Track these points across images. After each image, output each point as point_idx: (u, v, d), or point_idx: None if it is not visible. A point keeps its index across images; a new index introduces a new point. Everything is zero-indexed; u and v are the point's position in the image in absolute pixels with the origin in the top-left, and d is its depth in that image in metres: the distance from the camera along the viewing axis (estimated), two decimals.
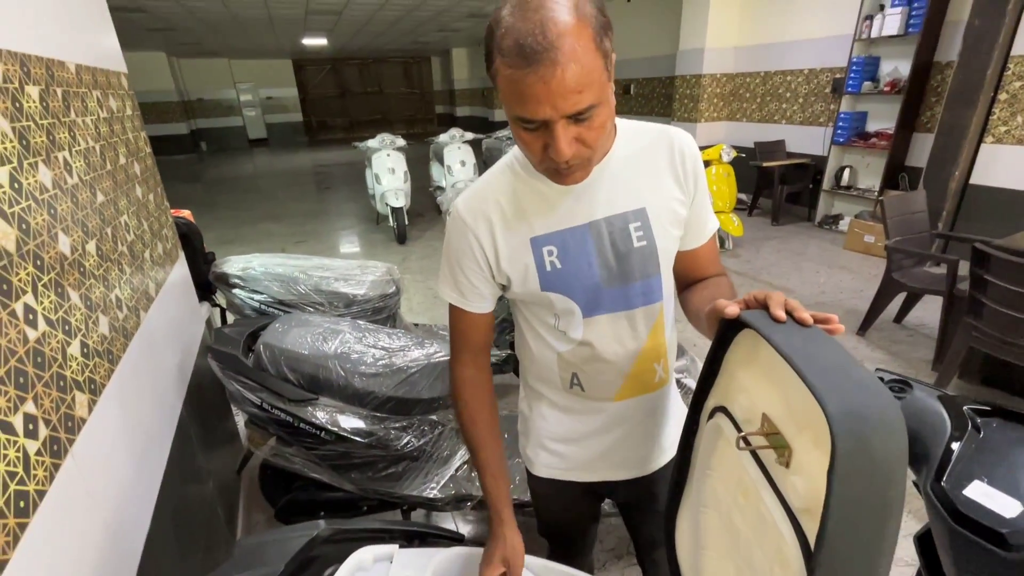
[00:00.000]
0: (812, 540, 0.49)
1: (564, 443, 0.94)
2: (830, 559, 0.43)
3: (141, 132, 1.54)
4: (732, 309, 0.63)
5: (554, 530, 1.12)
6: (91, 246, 0.99)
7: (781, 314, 0.58)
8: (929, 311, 3.20)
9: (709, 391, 0.74)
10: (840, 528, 0.43)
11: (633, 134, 0.80)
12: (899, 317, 3.13)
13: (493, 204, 0.79)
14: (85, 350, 0.87)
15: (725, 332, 0.68)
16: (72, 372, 0.81)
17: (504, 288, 0.85)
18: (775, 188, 5.30)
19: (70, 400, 0.79)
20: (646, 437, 0.94)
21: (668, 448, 0.97)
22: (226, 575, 0.71)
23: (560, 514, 1.08)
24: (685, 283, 0.90)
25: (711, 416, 0.73)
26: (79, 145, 1.03)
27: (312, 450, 1.43)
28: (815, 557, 0.44)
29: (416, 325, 2.60)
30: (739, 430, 0.66)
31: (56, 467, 0.71)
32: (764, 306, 0.61)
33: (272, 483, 1.66)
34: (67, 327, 0.82)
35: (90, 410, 0.84)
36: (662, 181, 0.80)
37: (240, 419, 2.08)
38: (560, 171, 0.69)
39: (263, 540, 0.80)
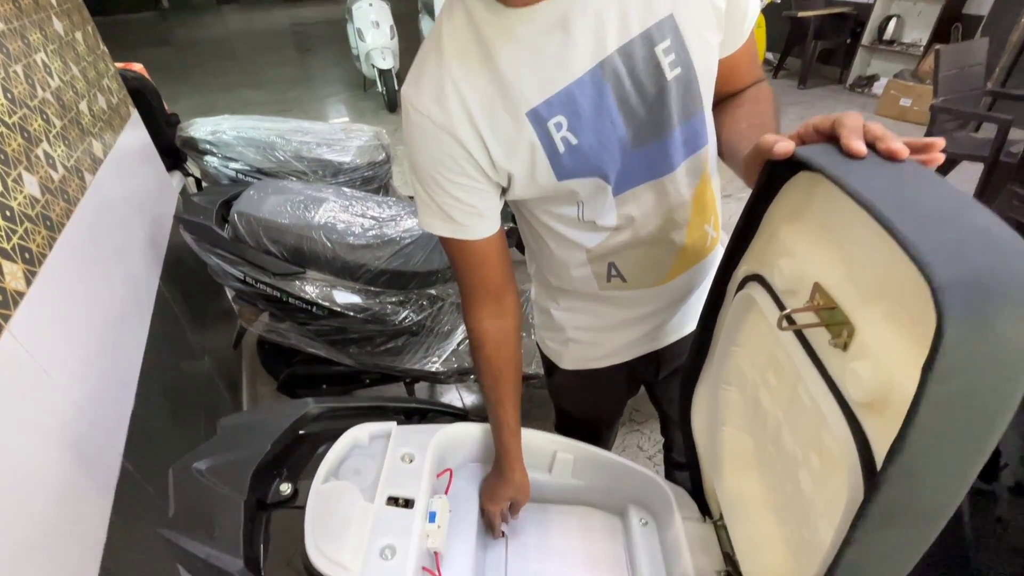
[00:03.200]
0: (875, 442, 0.40)
1: (600, 332, 0.82)
2: (906, 474, 0.33)
3: None
4: (784, 146, 0.45)
5: (578, 426, 1.03)
6: None
7: (860, 146, 0.40)
8: (962, 181, 2.99)
9: (742, 256, 0.61)
10: (929, 439, 0.32)
11: None
12: None
13: (461, 79, 0.54)
14: (8, 213, 0.73)
15: (771, 178, 0.53)
16: None
17: (504, 191, 0.64)
18: (807, 44, 4.72)
19: None
20: (695, 302, 0.82)
21: None
22: (204, 456, 0.65)
23: (589, 408, 0.99)
24: (714, 101, 0.66)
25: (742, 286, 0.61)
26: None
27: (305, 325, 1.36)
28: (885, 470, 0.34)
29: (411, 198, 2.43)
30: (778, 303, 0.54)
31: None
32: (830, 137, 0.44)
33: (272, 357, 1.63)
34: None
35: (28, 282, 0.73)
36: None
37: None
38: None
39: (246, 420, 0.73)
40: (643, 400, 1.87)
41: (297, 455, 0.72)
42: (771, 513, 0.67)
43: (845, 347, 0.44)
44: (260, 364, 1.72)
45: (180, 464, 0.65)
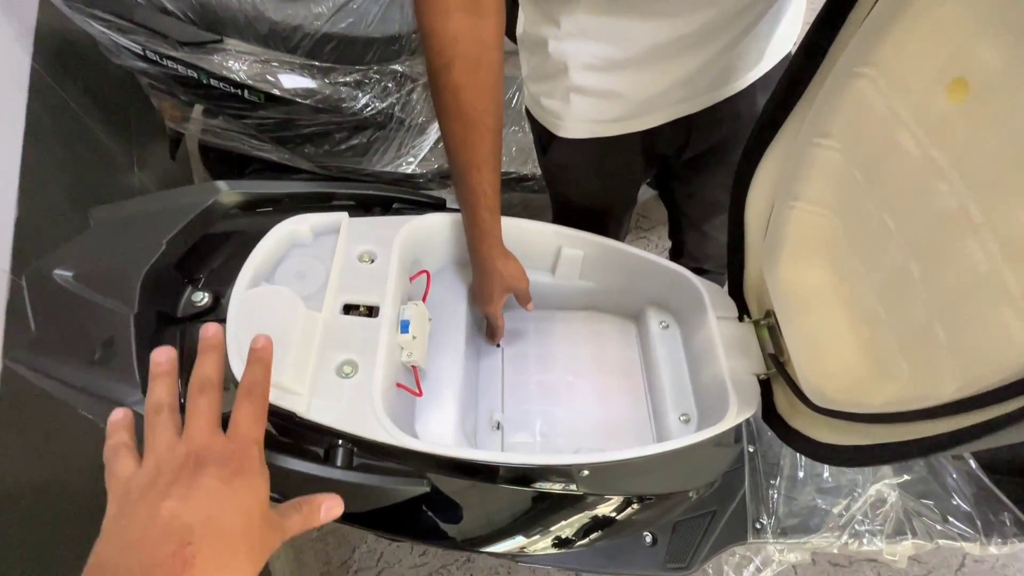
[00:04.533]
0: None
1: (618, 73, 0.57)
2: None
3: None
4: None
5: (581, 221, 0.84)
6: None
7: None
8: None
9: None
10: None
11: None
12: None
13: None
14: None
15: None
16: None
17: None
18: None
19: None
20: (765, 29, 0.56)
21: (783, 39, 0.61)
22: (70, 259, 0.47)
23: (595, 194, 0.78)
24: None
25: None
26: None
27: (242, 119, 1.09)
28: None
29: None
30: None
31: None
32: None
33: (219, 167, 1.38)
34: None
35: None
36: None
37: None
38: None
39: (131, 212, 0.53)
40: (652, 204, 1.69)
41: (213, 257, 0.54)
42: (846, 308, 0.52)
43: None
44: (210, 178, 1.48)
45: (35, 269, 0.46)
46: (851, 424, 0.45)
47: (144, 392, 0.41)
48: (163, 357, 0.35)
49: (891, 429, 0.40)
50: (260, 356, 0.37)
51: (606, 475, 0.53)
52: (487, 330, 0.70)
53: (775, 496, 0.78)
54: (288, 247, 0.55)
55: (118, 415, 0.34)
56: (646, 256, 0.66)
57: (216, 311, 0.50)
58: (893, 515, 0.78)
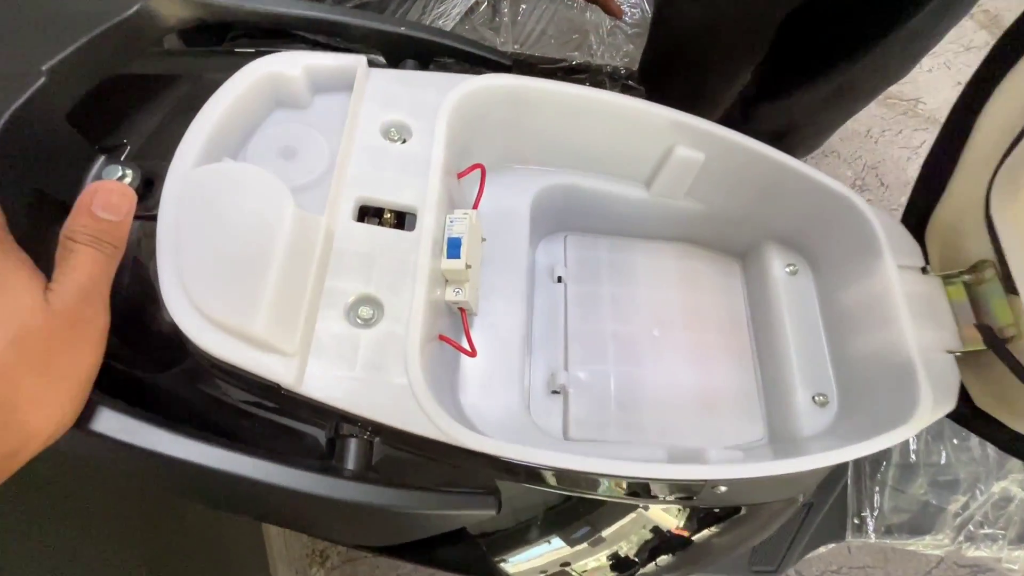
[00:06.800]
0: None
1: None
2: None
3: None
4: None
5: (670, 67, 0.62)
6: None
7: None
8: None
9: None
10: None
11: None
12: None
13: None
14: None
15: None
16: None
17: None
18: None
19: None
20: None
21: None
22: None
23: (705, 15, 0.56)
24: None
25: None
26: None
27: None
28: None
29: None
30: None
31: None
32: None
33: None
34: None
35: None
36: None
37: None
38: None
39: None
40: None
41: (145, 111, 0.33)
42: None
43: None
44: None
45: None
46: None
47: None
48: None
49: None
50: None
51: (743, 488, 0.36)
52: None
53: (881, 487, 0.63)
54: (269, 105, 0.34)
55: None
56: (799, 168, 0.45)
57: (147, 200, 0.30)
58: (1018, 518, 0.64)
